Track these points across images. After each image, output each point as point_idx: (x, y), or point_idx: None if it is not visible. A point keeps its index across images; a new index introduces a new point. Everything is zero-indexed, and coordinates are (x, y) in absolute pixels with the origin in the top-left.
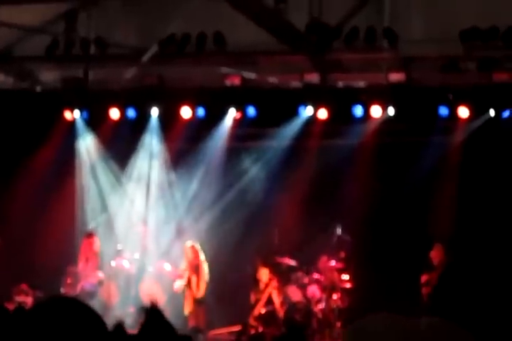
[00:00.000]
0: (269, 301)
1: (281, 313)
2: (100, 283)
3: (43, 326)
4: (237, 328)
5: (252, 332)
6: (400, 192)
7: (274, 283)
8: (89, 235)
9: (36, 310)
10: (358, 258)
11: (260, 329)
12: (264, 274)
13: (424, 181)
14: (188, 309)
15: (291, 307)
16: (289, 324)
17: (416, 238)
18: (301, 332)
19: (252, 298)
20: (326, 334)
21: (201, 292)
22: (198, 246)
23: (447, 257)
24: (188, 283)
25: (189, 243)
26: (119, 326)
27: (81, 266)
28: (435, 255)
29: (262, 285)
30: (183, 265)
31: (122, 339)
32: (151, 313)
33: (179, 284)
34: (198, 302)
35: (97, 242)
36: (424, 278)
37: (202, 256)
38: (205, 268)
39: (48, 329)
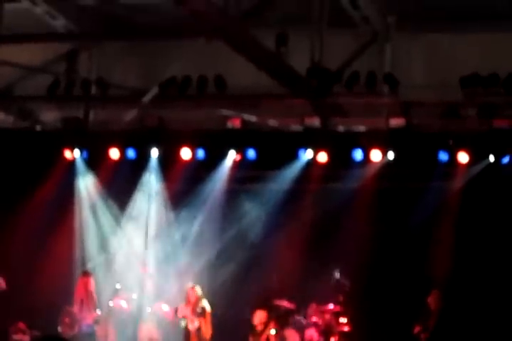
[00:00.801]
0: None
1: None
2: (96, 322)
3: None
4: None
5: None
6: (398, 237)
7: (272, 326)
8: (85, 274)
9: None
10: (356, 302)
11: None
12: (258, 317)
13: (423, 226)
14: None
15: None
16: None
17: (414, 283)
18: None
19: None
20: None
21: (209, 334)
22: (198, 288)
23: (444, 303)
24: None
25: (190, 285)
26: None
27: (76, 307)
28: (432, 301)
29: (259, 328)
30: (184, 306)
31: None
32: None
33: (184, 324)
34: None
35: (92, 282)
36: (417, 327)
37: (203, 298)
38: (209, 311)
39: None
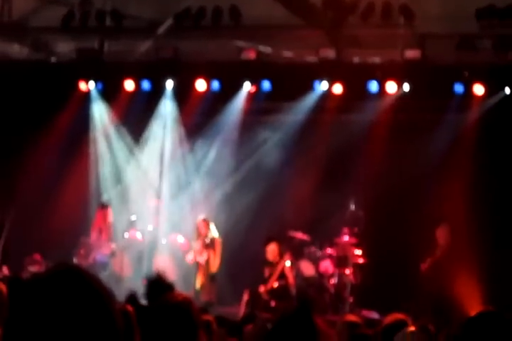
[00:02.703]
0: (282, 276)
1: (293, 288)
2: (113, 254)
3: (43, 296)
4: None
5: (263, 304)
6: (413, 169)
7: (287, 258)
8: (103, 206)
9: (38, 280)
10: (371, 234)
11: (273, 304)
12: (271, 250)
13: (439, 158)
14: (200, 283)
15: (303, 282)
16: (301, 298)
17: (428, 216)
18: (312, 306)
19: (266, 272)
20: (338, 309)
21: (215, 267)
22: (209, 221)
23: (453, 237)
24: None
25: (201, 217)
26: (132, 297)
27: (94, 237)
28: (441, 234)
29: (273, 261)
30: (195, 239)
31: (136, 310)
32: (153, 287)
33: (191, 257)
34: (210, 277)
35: (111, 213)
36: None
37: (215, 231)
38: (219, 242)
39: (46, 300)
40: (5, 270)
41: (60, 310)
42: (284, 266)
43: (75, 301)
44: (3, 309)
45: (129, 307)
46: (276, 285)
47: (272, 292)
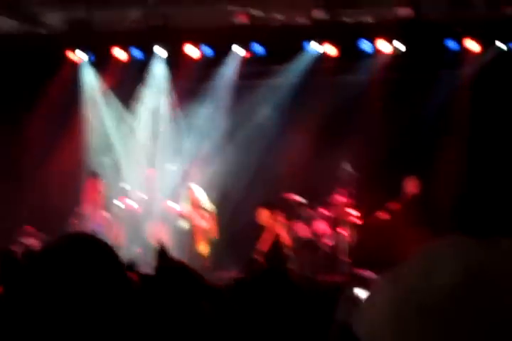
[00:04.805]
0: (277, 239)
1: (290, 249)
2: (107, 223)
3: (69, 261)
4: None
5: (260, 267)
6: (409, 128)
7: (280, 220)
8: (94, 175)
9: (60, 246)
10: (367, 195)
11: (268, 266)
12: (262, 215)
13: (435, 115)
14: (205, 249)
15: (299, 243)
16: (270, 260)
17: (425, 174)
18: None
19: (261, 237)
20: (334, 269)
21: (216, 233)
22: (199, 188)
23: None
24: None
25: (193, 185)
26: (131, 266)
27: (86, 206)
28: (409, 186)
29: (267, 224)
30: (187, 206)
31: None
32: (162, 256)
33: (187, 223)
34: (210, 243)
35: (101, 182)
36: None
37: (206, 198)
38: (213, 208)
39: (72, 265)
40: None
41: (83, 274)
42: (278, 228)
43: (99, 264)
44: None
45: (133, 276)
46: (269, 247)
47: (264, 253)
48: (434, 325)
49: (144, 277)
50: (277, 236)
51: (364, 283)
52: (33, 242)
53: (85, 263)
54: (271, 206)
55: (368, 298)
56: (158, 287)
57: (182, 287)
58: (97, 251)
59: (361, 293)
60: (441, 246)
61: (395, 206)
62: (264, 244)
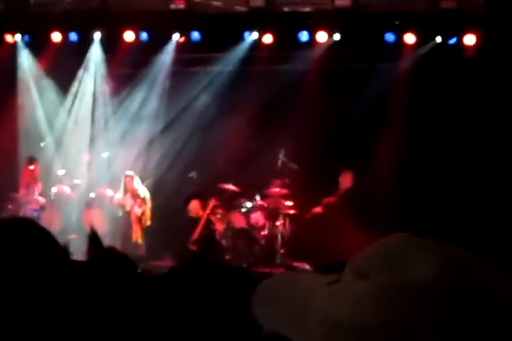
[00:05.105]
0: (207, 226)
1: (221, 236)
2: (42, 208)
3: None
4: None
5: (191, 255)
6: (345, 119)
7: (210, 209)
8: (30, 160)
9: None
10: (303, 185)
11: (200, 253)
12: (192, 208)
13: (371, 107)
14: (138, 237)
15: (234, 233)
16: (202, 249)
17: (360, 168)
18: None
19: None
20: (269, 261)
21: (148, 220)
22: (135, 176)
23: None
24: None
25: (129, 172)
26: (65, 251)
27: (22, 192)
28: (343, 180)
29: (198, 215)
30: (123, 192)
31: (69, 264)
32: (94, 241)
33: (119, 211)
34: (144, 230)
35: (38, 168)
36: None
37: (142, 187)
38: (147, 195)
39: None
40: None
41: (22, 258)
42: (215, 218)
43: (39, 249)
44: None
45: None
46: (200, 235)
47: (198, 242)
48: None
49: (76, 263)
50: (210, 225)
51: None
52: None
53: (25, 247)
54: (200, 197)
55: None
56: (89, 274)
57: (114, 274)
58: (37, 235)
59: None
60: (404, 240)
61: (330, 200)
62: (197, 234)
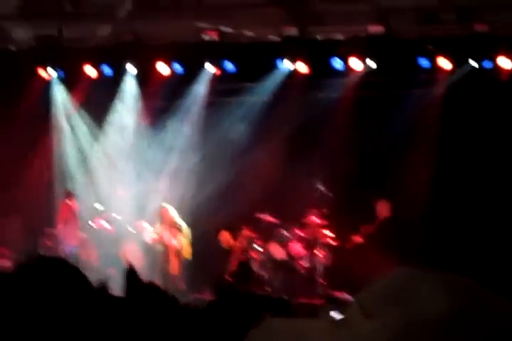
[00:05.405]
0: (242, 257)
1: (257, 264)
2: (82, 243)
3: (36, 284)
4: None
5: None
6: (379, 146)
7: (244, 240)
8: (68, 196)
9: (24, 269)
10: (341, 215)
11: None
12: (223, 239)
13: (404, 135)
14: (176, 269)
15: (274, 264)
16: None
17: (395, 193)
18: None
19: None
20: (309, 291)
21: (189, 253)
22: (172, 208)
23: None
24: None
25: (165, 204)
26: (103, 287)
27: (60, 227)
28: (382, 209)
29: (230, 246)
30: (158, 226)
31: (107, 299)
32: (130, 276)
33: (159, 247)
34: (182, 263)
35: (76, 203)
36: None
37: (179, 218)
38: (185, 227)
39: (38, 288)
40: None
41: (52, 296)
42: (242, 246)
43: (69, 288)
44: None
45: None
46: (236, 266)
47: (234, 273)
48: None
49: (114, 299)
50: (246, 256)
51: (340, 306)
52: (5, 263)
53: (55, 285)
54: (229, 228)
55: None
56: (129, 309)
57: (153, 309)
58: (67, 274)
59: (337, 316)
60: (407, 273)
61: (368, 229)
62: (233, 265)
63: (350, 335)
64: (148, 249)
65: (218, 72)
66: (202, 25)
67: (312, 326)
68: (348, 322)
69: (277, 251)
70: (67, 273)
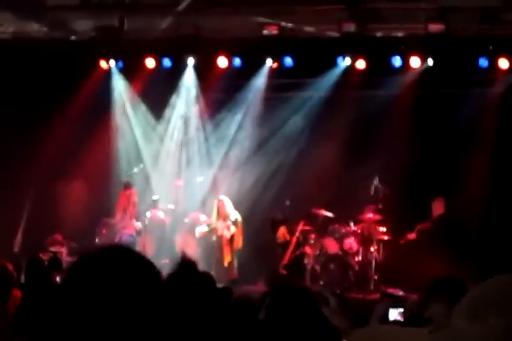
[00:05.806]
0: (296, 250)
1: (311, 259)
2: (138, 233)
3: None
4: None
5: (283, 279)
6: (437, 144)
7: (299, 233)
8: (127, 186)
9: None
10: (396, 211)
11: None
12: (280, 234)
13: (462, 133)
14: (228, 260)
15: (328, 259)
16: (274, 281)
17: (452, 191)
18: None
19: (287, 250)
20: (362, 286)
21: (240, 243)
22: (228, 200)
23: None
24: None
25: (221, 196)
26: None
27: (118, 217)
28: (437, 206)
29: (286, 240)
30: (215, 217)
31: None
32: (184, 266)
33: (213, 237)
34: (235, 254)
35: (134, 193)
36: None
37: (234, 211)
38: (241, 222)
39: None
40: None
41: (122, 285)
42: (298, 240)
43: (139, 276)
44: (10, 283)
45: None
46: (290, 259)
47: (288, 266)
48: None
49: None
50: (300, 250)
51: (393, 301)
52: (61, 250)
53: (126, 274)
54: (286, 223)
55: None
56: (184, 298)
57: (208, 299)
58: (135, 262)
59: (393, 314)
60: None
61: (423, 226)
62: (287, 258)
63: (454, 339)
64: (203, 240)
65: (276, 67)
66: (262, 20)
67: (412, 331)
68: (453, 325)
69: (331, 246)
70: (138, 263)
